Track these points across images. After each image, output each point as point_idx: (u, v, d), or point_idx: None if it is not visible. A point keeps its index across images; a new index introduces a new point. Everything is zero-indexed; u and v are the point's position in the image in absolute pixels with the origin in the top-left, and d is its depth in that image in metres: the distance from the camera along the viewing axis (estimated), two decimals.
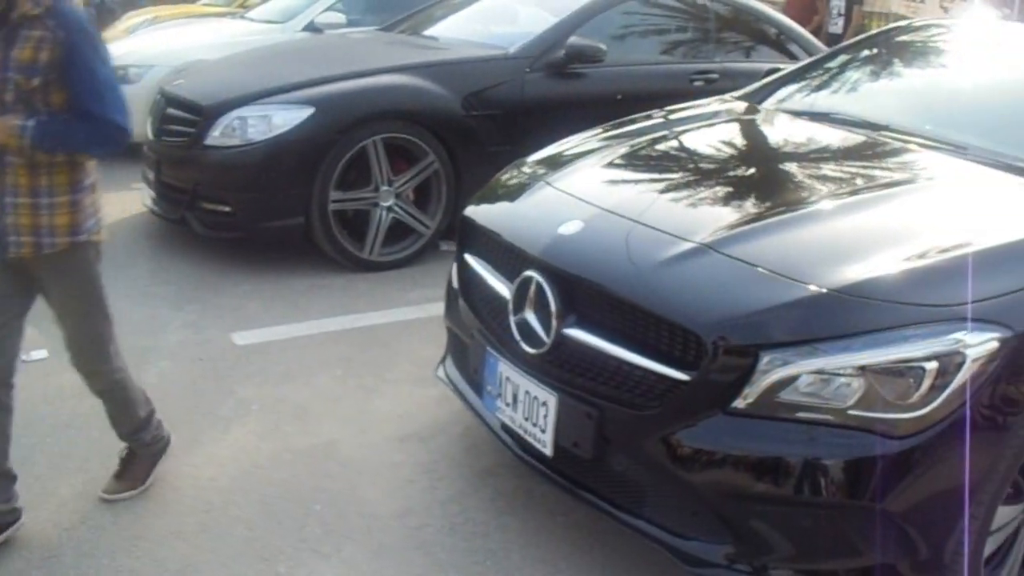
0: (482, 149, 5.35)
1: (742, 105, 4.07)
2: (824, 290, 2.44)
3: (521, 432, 2.82)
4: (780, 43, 6.86)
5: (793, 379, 2.37)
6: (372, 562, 2.86)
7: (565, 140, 3.70)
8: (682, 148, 3.52)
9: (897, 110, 3.79)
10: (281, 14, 8.05)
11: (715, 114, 3.94)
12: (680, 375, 2.46)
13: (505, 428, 2.94)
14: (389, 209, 5.12)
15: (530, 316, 2.75)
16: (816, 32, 9.10)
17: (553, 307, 2.67)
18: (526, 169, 3.40)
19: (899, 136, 3.52)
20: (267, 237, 5.00)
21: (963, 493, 2.46)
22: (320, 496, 3.13)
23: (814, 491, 2.41)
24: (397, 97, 5.12)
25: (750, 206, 2.91)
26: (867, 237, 2.71)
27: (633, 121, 3.87)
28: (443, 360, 3.48)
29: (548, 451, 2.73)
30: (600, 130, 3.79)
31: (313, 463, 3.30)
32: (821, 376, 2.36)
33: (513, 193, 3.20)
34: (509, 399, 2.84)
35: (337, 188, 4.93)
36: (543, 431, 2.73)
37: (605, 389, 2.60)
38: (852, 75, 4.28)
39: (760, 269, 2.53)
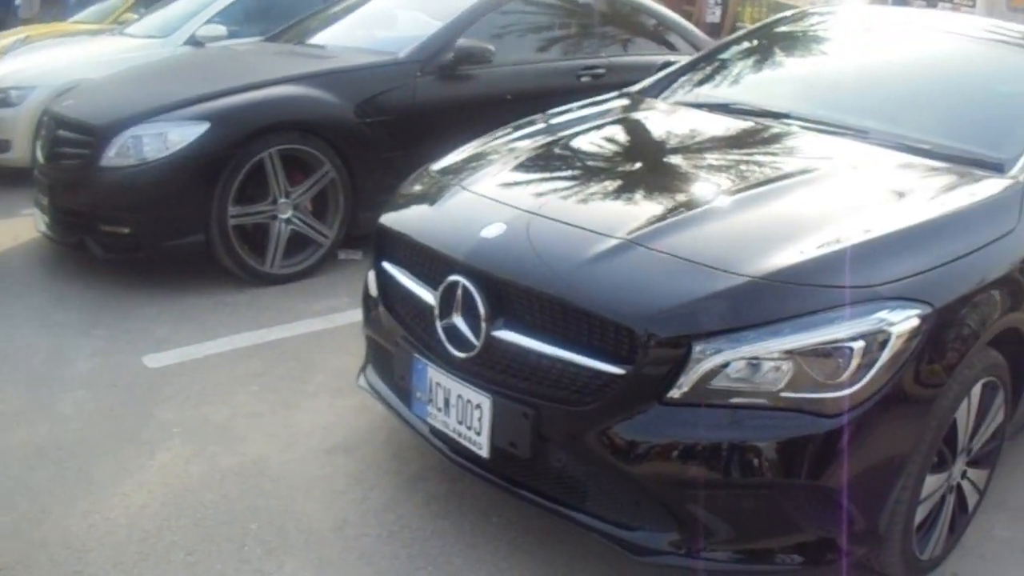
0: (377, 156, 5.35)
1: (642, 100, 4.16)
2: (750, 278, 2.54)
3: (455, 436, 2.85)
4: (661, 35, 7.02)
5: (725, 366, 2.46)
6: (328, 574, 2.86)
7: (472, 143, 3.73)
8: (591, 146, 3.59)
9: (795, 98, 3.94)
10: (160, 29, 7.87)
11: (617, 110, 4.02)
12: (615, 369, 2.52)
13: (436, 433, 2.96)
14: (288, 221, 5.08)
15: (458, 320, 2.78)
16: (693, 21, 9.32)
17: (481, 310, 2.70)
18: (437, 174, 3.42)
19: (802, 124, 3.66)
20: (169, 257, 4.91)
21: (894, 465, 2.60)
22: (256, 514, 3.11)
23: (753, 473, 2.50)
24: (291, 108, 5.08)
25: (668, 200, 2.99)
26: (785, 224, 2.82)
27: (537, 121, 3.93)
28: (363, 369, 3.48)
29: (485, 453, 2.77)
30: (506, 131, 3.83)
31: (244, 482, 3.27)
32: (752, 362, 2.46)
33: (428, 199, 3.22)
34: (440, 404, 2.87)
35: (235, 203, 4.86)
36: (478, 433, 2.76)
37: (540, 388, 2.65)
38: (746, 65, 4.42)
39: (686, 261, 2.61)
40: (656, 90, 4.26)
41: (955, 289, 2.71)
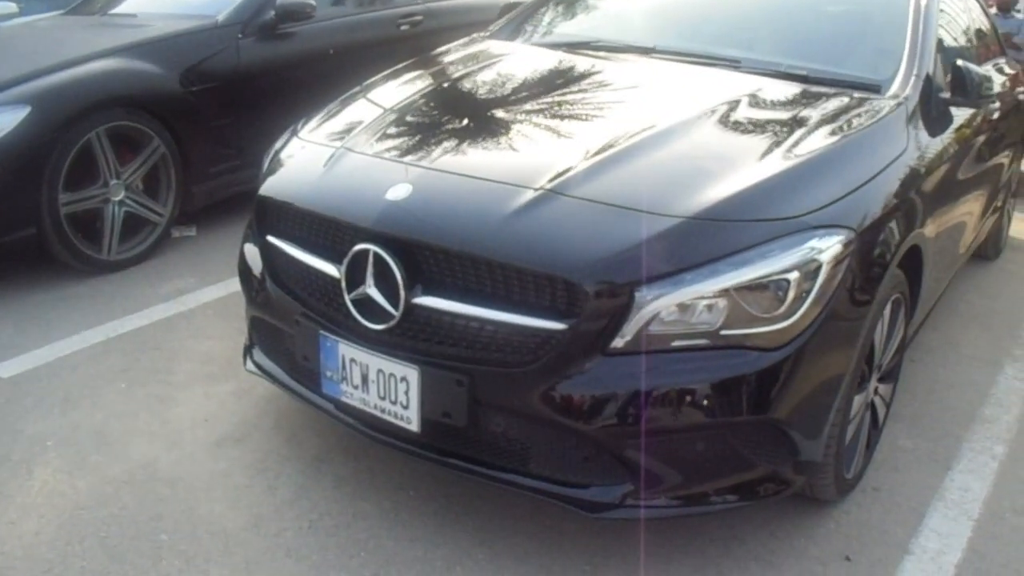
0: (206, 125, 5.09)
1: (502, 44, 4.01)
2: (684, 218, 2.46)
3: (377, 413, 2.66)
4: None
5: (667, 310, 2.38)
6: None
7: (337, 102, 3.49)
8: (471, 96, 3.41)
9: (656, 32, 3.87)
10: None
11: (484, 56, 3.85)
12: (556, 325, 2.39)
13: (352, 412, 2.76)
14: (121, 203, 4.72)
15: (372, 291, 2.58)
16: None
17: (399, 278, 2.51)
18: (309, 137, 3.17)
19: (674, 57, 3.59)
20: (0, 254, 4.45)
21: (831, 390, 2.60)
22: (162, 523, 2.84)
23: (703, 414, 2.44)
24: (114, 83, 4.67)
25: (574, 145, 2.84)
26: (699, 160, 2.75)
27: (402, 74, 3.72)
28: (248, 352, 3.23)
29: (414, 427, 2.59)
30: (371, 86, 3.61)
31: (138, 490, 2.98)
32: (693, 304, 2.38)
33: (310, 165, 2.96)
34: (357, 381, 2.67)
35: (65, 190, 4.45)
36: (405, 407, 2.58)
37: (473, 353, 2.49)
38: (598, 2, 4.32)
39: (615, 207, 2.50)
40: (513, 32, 4.12)
41: (869, 212, 2.73)
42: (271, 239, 2.90)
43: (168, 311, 4.31)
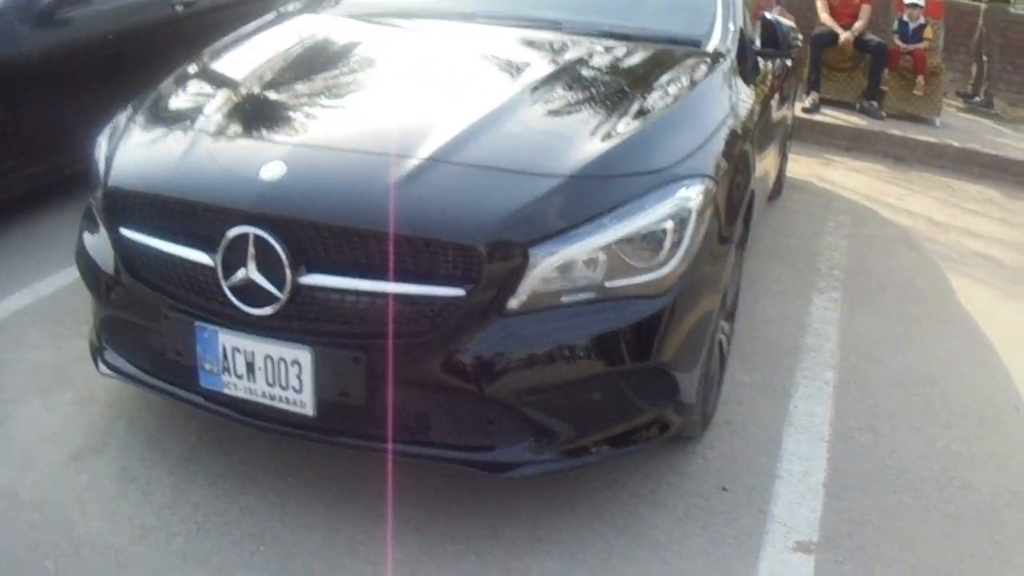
0: None
1: (321, 18, 3.92)
2: (567, 177, 2.53)
3: (266, 401, 2.59)
4: None
5: (556, 268, 2.44)
6: None
7: (167, 83, 3.32)
8: (313, 71, 3.31)
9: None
10: None
11: (307, 30, 3.74)
12: (454, 292, 2.40)
13: (231, 402, 2.67)
14: None
15: (254, 275, 2.49)
16: None
17: (284, 258, 2.44)
18: (152, 123, 3.01)
19: (494, 21, 3.63)
20: None
21: (702, 332, 2.73)
22: (42, 551, 2.64)
23: (598, 365, 2.53)
24: None
25: (441, 113, 2.84)
26: (562, 121, 2.83)
27: (222, 53, 3.56)
28: (99, 356, 3.06)
29: (309, 411, 2.54)
30: (200, 65, 3.45)
31: (4, 520, 2.75)
32: (579, 260, 2.45)
33: (164, 151, 2.80)
34: (241, 370, 2.58)
35: None
36: (298, 391, 2.52)
37: (368, 328, 2.46)
38: None
39: (499, 170, 2.54)
40: (329, 5, 4.04)
41: (720, 161, 2.90)
42: (125, 232, 2.74)
43: None
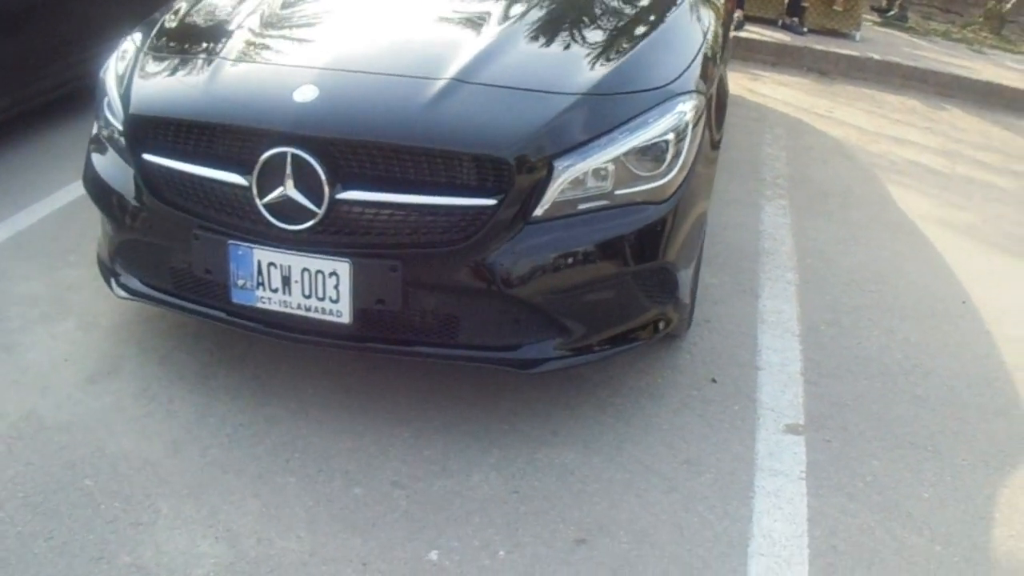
0: None
1: None
2: (581, 95, 2.72)
3: (300, 313, 2.72)
4: None
5: (575, 179, 2.63)
6: (212, 498, 2.66)
7: (169, 16, 3.36)
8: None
9: None
10: None
11: None
12: (487, 201, 2.56)
13: (263, 316, 2.79)
14: None
15: (292, 193, 2.61)
16: None
17: (323, 176, 2.56)
18: (166, 51, 3.06)
19: None
20: None
21: (700, 230, 2.97)
22: (79, 469, 2.72)
23: (613, 266, 2.74)
24: None
25: (450, 36, 3.04)
26: (567, 41, 3.02)
27: None
28: (113, 279, 3.13)
29: (346, 319, 2.68)
30: None
31: (34, 443, 2.81)
32: (596, 170, 2.64)
33: (187, 78, 2.87)
34: (276, 284, 2.70)
35: None
36: (335, 301, 2.66)
37: (403, 239, 2.60)
38: None
39: (519, 90, 2.72)
40: None
41: (705, 78, 3.09)
42: (149, 157, 2.81)
43: None
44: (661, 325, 2.94)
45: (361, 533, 2.56)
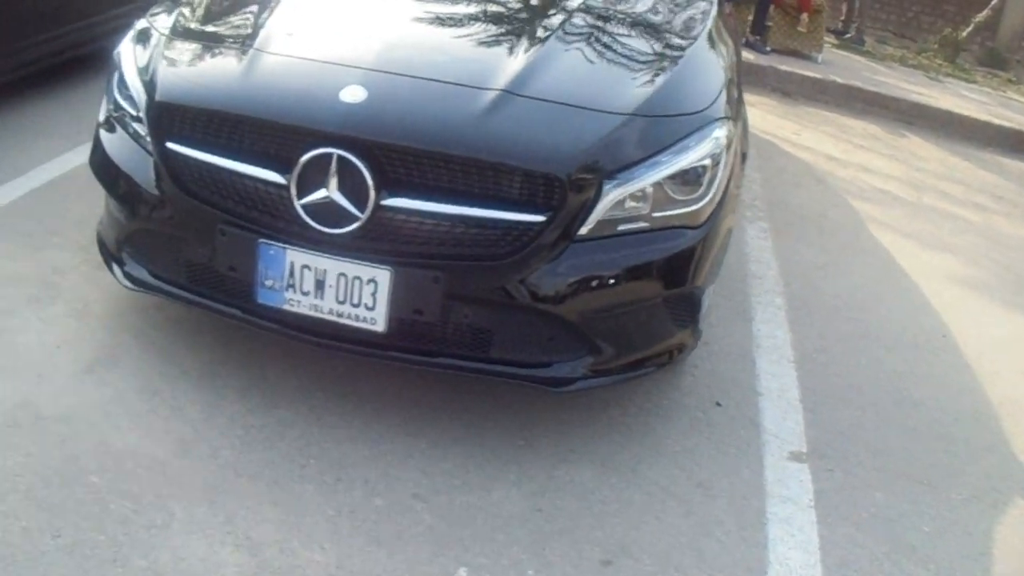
0: None
1: None
2: (628, 115, 2.71)
3: (331, 318, 2.66)
4: None
5: (618, 200, 2.63)
6: (227, 502, 2.57)
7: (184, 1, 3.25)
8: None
9: None
10: None
11: None
12: (536, 218, 2.54)
13: (289, 319, 2.72)
14: None
15: (335, 195, 2.54)
16: None
17: (369, 180, 2.51)
18: (192, 39, 2.96)
19: None
20: None
21: (725, 248, 3.02)
22: (83, 463, 2.60)
23: (649, 287, 2.76)
24: None
25: (496, 45, 2.97)
26: (612, 58, 3.01)
27: None
28: (119, 267, 3.01)
29: (380, 327, 2.63)
30: None
31: (32, 434, 2.69)
32: (637, 192, 2.64)
33: (219, 68, 2.78)
34: (308, 288, 2.64)
35: None
36: (370, 308, 2.61)
37: (447, 250, 2.56)
38: None
39: (569, 107, 2.69)
40: None
41: (730, 103, 3.10)
42: (174, 147, 2.71)
43: None
44: (675, 352, 2.94)
45: (386, 547, 2.51)
